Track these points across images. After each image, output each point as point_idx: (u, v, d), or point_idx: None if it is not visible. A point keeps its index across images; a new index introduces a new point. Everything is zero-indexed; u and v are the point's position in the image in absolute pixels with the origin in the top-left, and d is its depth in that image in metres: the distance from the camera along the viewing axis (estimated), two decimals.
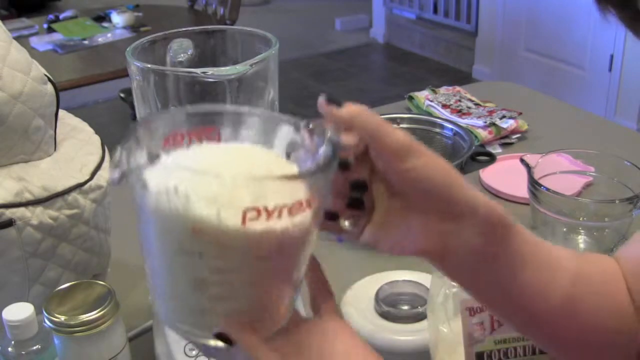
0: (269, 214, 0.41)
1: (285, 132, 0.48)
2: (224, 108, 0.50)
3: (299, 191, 0.42)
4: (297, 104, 3.55)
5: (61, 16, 2.88)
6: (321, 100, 0.47)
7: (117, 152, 0.43)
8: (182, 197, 0.41)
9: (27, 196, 0.75)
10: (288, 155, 0.47)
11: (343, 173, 0.47)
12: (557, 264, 0.55)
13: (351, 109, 0.47)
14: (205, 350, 0.49)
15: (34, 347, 0.67)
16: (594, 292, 0.56)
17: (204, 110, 0.48)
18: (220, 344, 0.46)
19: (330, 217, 0.49)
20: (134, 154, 0.43)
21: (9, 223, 0.73)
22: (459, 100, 1.44)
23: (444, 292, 0.72)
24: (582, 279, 0.56)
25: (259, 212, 0.41)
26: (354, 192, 0.48)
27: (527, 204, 1.00)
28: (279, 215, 0.41)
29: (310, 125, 0.47)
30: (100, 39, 2.65)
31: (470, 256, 0.50)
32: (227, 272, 0.44)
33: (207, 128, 0.47)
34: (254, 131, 0.48)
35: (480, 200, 0.49)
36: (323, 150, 0.46)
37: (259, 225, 0.41)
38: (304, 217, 0.43)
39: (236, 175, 0.41)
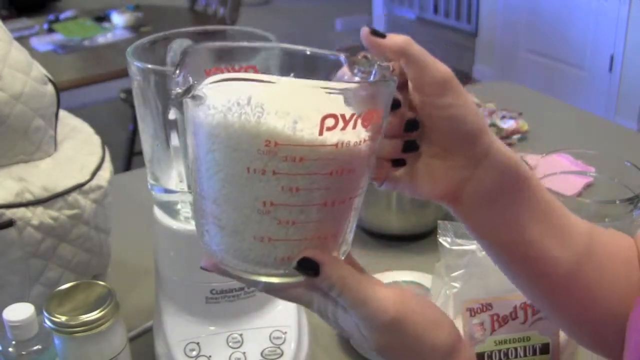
0: (346, 122, 0.40)
1: (327, 68, 0.47)
2: (263, 44, 0.49)
3: (369, 102, 0.42)
4: None
5: (61, 16, 2.89)
6: (365, 31, 0.47)
7: (176, 70, 0.41)
8: (255, 108, 0.39)
9: (28, 196, 0.75)
10: None
11: (392, 114, 0.47)
12: (570, 230, 0.54)
13: (399, 38, 0.47)
14: (263, 288, 0.47)
15: (35, 348, 0.67)
16: (601, 268, 0.55)
17: (243, 46, 0.46)
18: (275, 281, 0.45)
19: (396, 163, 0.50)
20: (192, 73, 0.40)
21: (10, 223, 0.73)
22: None
23: (444, 293, 0.72)
24: (593, 251, 0.54)
25: (336, 120, 0.40)
26: (407, 131, 0.48)
27: None
28: (354, 126, 0.41)
29: (355, 57, 0.47)
30: (101, 39, 2.65)
31: (484, 202, 0.51)
32: (297, 192, 0.41)
33: (247, 66, 0.46)
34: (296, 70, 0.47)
35: (498, 148, 0.50)
36: (374, 74, 0.45)
37: (334, 137, 0.40)
38: (372, 131, 0.42)
39: (311, 85, 0.40)
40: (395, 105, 0.47)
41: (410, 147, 0.49)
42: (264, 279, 0.45)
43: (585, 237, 0.54)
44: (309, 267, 0.45)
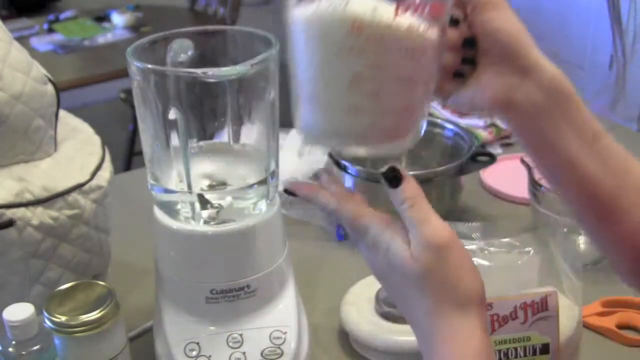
0: (415, 9, 0.50)
1: None
2: None
3: None
4: None
5: (61, 16, 2.88)
6: None
7: None
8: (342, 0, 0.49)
9: (28, 196, 0.75)
10: None
11: (453, 30, 0.55)
12: (616, 158, 0.58)
13: None
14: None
15: (35, 348, 0.67)
16: None
17: None
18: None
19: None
20: None
21: (9, 223, 0.73)
22: None
23: None
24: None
25: (407, 6, 0.50)
26: (465, 48, 0.56)
27: (528, 205, 1.01)
28: (422, 13, 0.51)
29: None
30: (101, 39, 2.65)
31: (532, 112, 0.56)
32: (378, 68, 0.51)
33: None
34: None
35: (547, 64, 0.56)
36: None
37: (406, 20, 0.50)
38: (439, 22, 0.52)
39: None
40: (456, 22, 0.55)
41: (469, 61, 0.57)
42: (352, 148, 0.55)
43: (635, 172, 0.58)
44: (393, 177, 0.53)
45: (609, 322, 0.85)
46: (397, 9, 0.50)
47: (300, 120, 0.55)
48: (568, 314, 0.73)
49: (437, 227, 0.52)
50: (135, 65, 0.67)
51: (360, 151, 0.55)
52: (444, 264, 0.51)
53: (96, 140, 0.88)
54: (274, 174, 0.75)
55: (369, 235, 0.54)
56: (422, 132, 0.57)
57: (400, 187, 0.53)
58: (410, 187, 0.53)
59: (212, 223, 0.72)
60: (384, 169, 0.53)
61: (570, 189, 0.59)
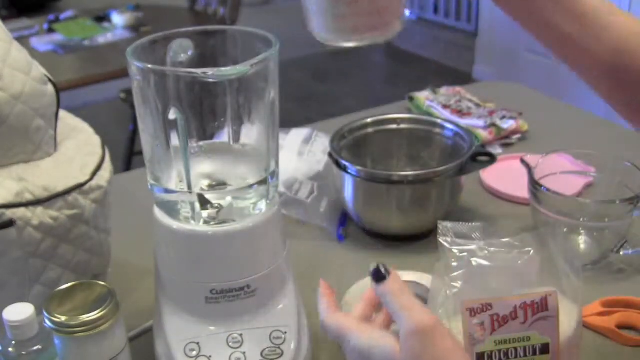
0: None
1: None
2: None
3: None
4: (298, 104, 3.56)
5: (61, 16, 2.89)
6: None
7: None
8: None
9: (28, 196, 0.75)
10: None
11: None
12: (606, 28, 0.64)
13: None
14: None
15: (35, 348, 0.67)
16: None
17: None
18: None
19: None
20: None
21: (10, 223, 0.73)
22: (459, 101, 1.44)
23: (444, 293, 0.72)
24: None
25: None
26: None
27: (528, 205, 1.01)
28: None
29: None
30: (101, 40, 2.65)
31: None
32: None
33: None
34: None
35: None
36: None
37: None
38: None
39: None
40: None
41: None
42: (344, 44, 0.67)
43: (613, 27, 0.64)
44: (380, 275, 0.60)
45: (609, 322, 0.85)
46: None
47: (309, 24, 0.68)
48: (568, 314, 0.73)
49: (421, 313, 0.55)
50: (135, 65, 0.67)
51: (352, 44, 0.66)
52: (430, 348, 0.54)
53: (96, 140, 0.88)
54: (274, 174, 0.75)
55: (350, 344, 0.59)
56: (405, 19, 0.67)
57: (387, 280, 0.59)
58: (393, 281, 0.59)
59: (212, 223, 0.72)
60: (371, 267, 0.61)
61: (552, 46, 0.67)
